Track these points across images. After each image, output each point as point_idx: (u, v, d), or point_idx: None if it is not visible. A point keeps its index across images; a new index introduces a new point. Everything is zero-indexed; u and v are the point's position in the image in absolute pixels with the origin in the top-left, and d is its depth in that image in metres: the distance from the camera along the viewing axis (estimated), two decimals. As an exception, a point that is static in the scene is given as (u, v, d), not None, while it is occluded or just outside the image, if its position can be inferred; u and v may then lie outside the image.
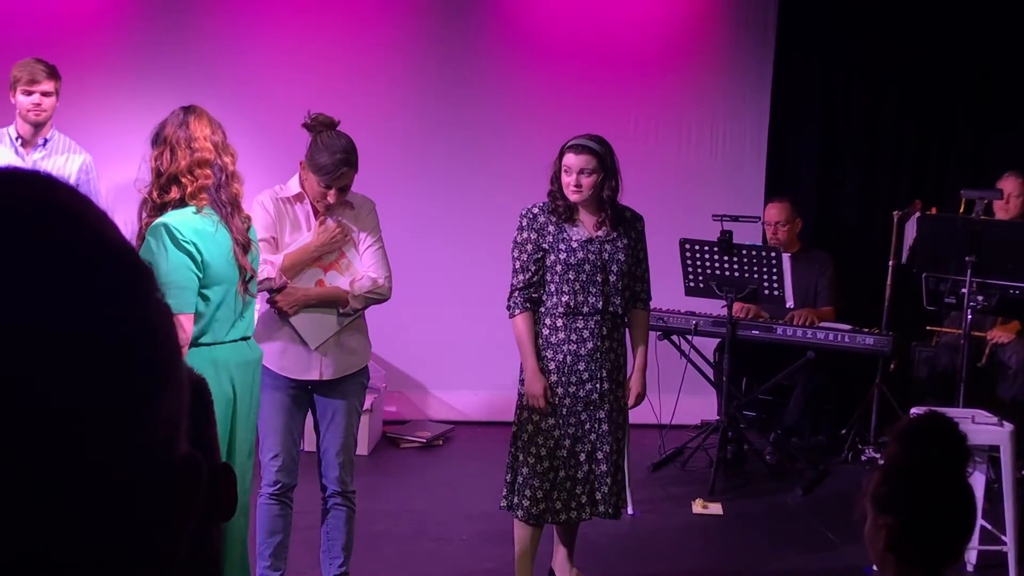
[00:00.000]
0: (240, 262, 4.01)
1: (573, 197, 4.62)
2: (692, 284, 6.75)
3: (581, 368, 4.67)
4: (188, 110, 3.95)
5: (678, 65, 7.86)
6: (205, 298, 3.92)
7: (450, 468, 6.91)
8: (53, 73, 5.51)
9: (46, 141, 5.64)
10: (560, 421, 4.68)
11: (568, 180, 4.60)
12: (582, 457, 4.70)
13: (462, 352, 7.55)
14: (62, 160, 5.71)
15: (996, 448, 5.30)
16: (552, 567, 5.14)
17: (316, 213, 4.50)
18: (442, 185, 7.57)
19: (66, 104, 6.32)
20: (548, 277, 4.68)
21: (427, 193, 7.45)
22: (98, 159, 5.99)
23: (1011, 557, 5.22)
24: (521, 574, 4.81)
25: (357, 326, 4.59)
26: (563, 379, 4.67)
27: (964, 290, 6.11)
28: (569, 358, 4.67)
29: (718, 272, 6.65)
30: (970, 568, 5.38)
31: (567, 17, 7.74)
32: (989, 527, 5.23)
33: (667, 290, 6.80)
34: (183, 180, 3.83)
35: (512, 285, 4.70)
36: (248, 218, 4.15)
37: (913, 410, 5.43)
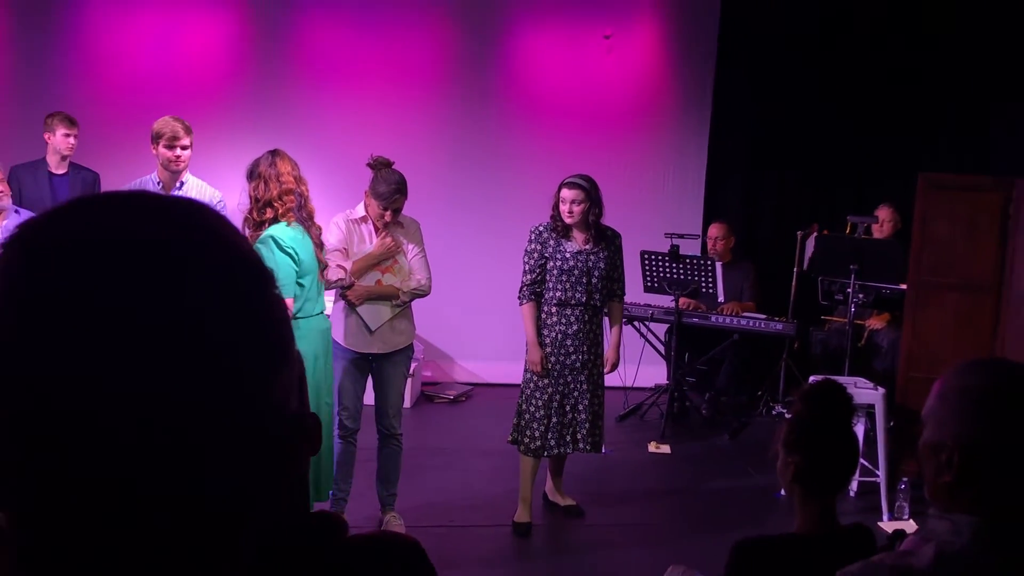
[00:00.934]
0: (319, 258, 4.14)
1: (567, 220, 4.70)
2: (649, 284, 6.76)
3: (568, 344, 4.75)
4: (274, 152, 4.07)
5: (641, 123, 7.86)
6: (300, 285, 4.01)
7: (472, 417, 6.92)
8: (189, 130, 5.11)
9: (182, 184, 5.18)
10: (552, 381, 4.76)
11: (564, 208, 4.70)
12: (567, 408, 4.79)
13: (482, 331, 7.56)
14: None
15: (872, 406, 5.32)
16: (545, 491, 5.18)
17: (377, 230, 4.53)
18: (467, 208, 7.57)
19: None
20: (547, 278, 4.75)
21: (456, 214, 7.45)
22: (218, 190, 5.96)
23: (883, 485, 5.26)
24: (524, 492, 4.86)
25: (405, 314, 4.62)
26: (555, 351, 4.75)
27: (849, 290, 6.13)
28: (559, 336, 4.75)
29: (668, 275, 6.66)
30: (852, 494, 5.41)
31: (559, 88, 7.74)
32: (867, 464, 5.26)
33: (631, 288, 6.74)
34: (275, 204, 3.95)
35: (522, 282, 4.80)
36: (319, 228, 4.26)
37: (811, 378, 5.42)
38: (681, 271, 6.62)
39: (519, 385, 4.90)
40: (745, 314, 6.86)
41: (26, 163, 5.98)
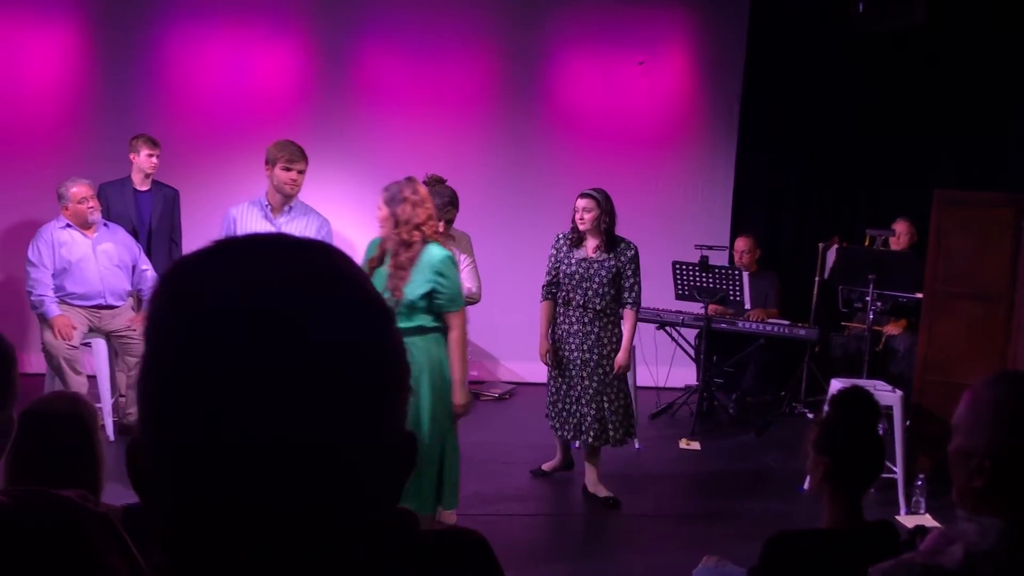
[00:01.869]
0: None
1: (581, 227, 4.91)
2: (680, 291, 6.74)
3: (570, 341, 4.98)
4: (411, 180, 3.80)
5: (672, 143, 7.83)
6: None
7: (514, 414, 6.94)
8: (305, 154, 4.76)
9: (291, 208, 4.80)
10: (559, 373, 5.04)
11: (577, 216, 4.91)
12: (571, 400, 5.00)
13: (523, 333, 7.53)
14: (303, 222, 4.80)
15: (890, 407, 5.26)
16: (585, 484, 5.17)
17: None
18: (512, 220, 7.57)
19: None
20: (560, 281, 4.99)
21: (502, 225, 7.46)
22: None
23: (900, 481, 5.21)
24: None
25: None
26: (561, 346, 5.01)
27: (868, 298, 6.06)
28: (563, 334, 5.01)
29: (698, 284, 6.63)
30: (872, 490, 5.34)
31: (596, 109, 7.73)
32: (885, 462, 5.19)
33: (663, 295, 6.80)
34: (423, 227, 3.70)
35: (544, 283, 5.08)
36: None
37: (833, 380, 5.42)
38: (710, 280, 6.59)
39: None
40: (770, 320, 6.81)
41: (113, 181, 6.09)
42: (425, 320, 3.66)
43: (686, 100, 7.92)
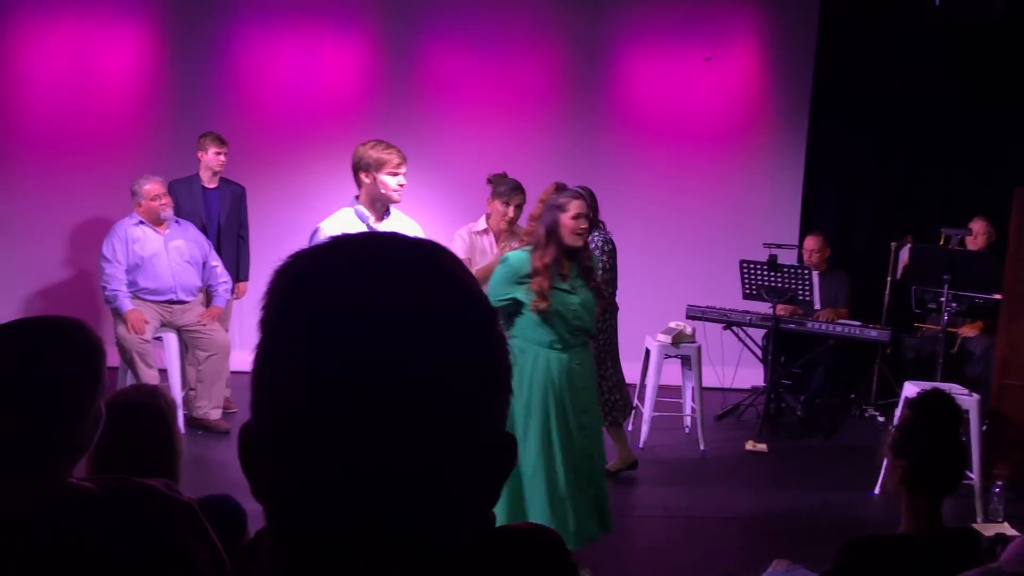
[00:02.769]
0: None
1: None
2: (748, 291, 6.66)
3: None
4: (560, 187, 3.90)
5: (739, 139, 7.76)
6: None
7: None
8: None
9: (387, 213, 4.08)
10: None
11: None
12: None
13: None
14: (403, 229, 4.11)
15: (966, 412, 5.14)
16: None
17: (497, 240, 4.58)
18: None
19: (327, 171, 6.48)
20: None
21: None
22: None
23: (976, 488, 5.09)
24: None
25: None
26: None
27: (942, 299, 5.93)
28: None
29: (766, 283, 6.56)
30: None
31: (662, 105, 7.69)
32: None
33: (730, 294, 6.74)
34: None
35: None
36: None
37: (906, 383, 5.31)
38: (779, 279, 6.51)
39: None
40: (840, 321, 6.70)
41: (182, 178, 6.21)
42: None
43: (754, 97, 7.83)
